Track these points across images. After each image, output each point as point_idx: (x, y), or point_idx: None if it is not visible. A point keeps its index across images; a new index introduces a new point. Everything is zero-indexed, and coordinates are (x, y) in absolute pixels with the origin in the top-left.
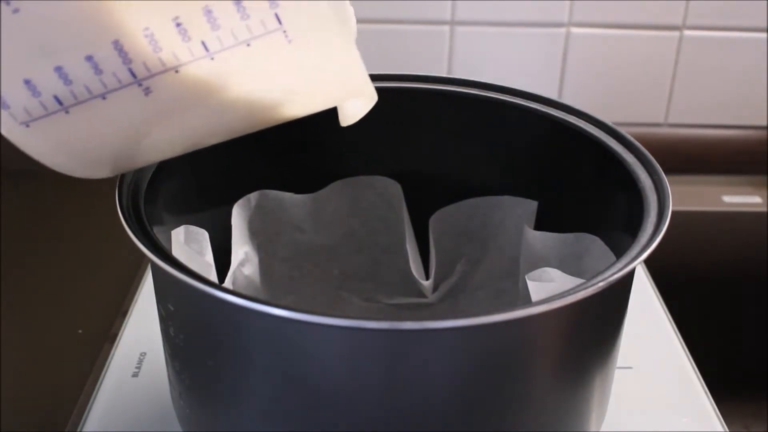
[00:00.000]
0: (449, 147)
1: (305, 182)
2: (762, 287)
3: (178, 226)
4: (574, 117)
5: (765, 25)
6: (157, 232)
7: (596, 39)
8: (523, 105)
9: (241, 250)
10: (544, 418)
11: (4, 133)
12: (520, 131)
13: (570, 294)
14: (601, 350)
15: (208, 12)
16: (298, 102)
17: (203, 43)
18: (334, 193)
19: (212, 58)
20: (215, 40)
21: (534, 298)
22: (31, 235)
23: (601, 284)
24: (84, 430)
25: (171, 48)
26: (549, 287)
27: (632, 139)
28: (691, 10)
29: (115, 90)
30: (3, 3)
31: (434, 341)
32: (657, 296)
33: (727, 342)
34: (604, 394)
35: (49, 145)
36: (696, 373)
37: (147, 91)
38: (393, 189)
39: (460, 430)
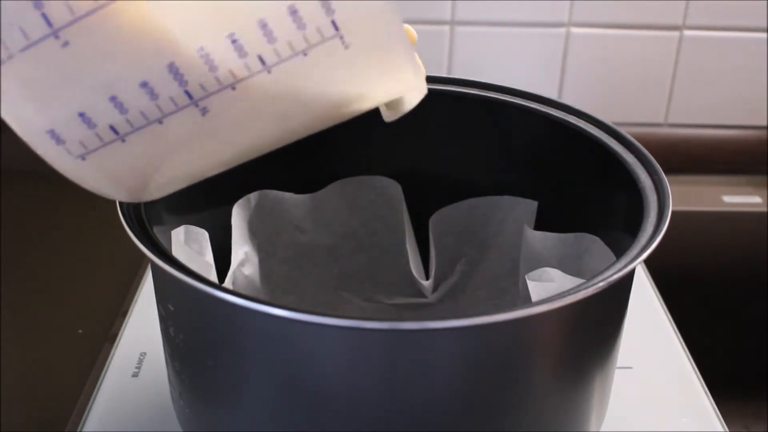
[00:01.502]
0: (449, 147)
1: (305, 182)
2: (762, 287)
3: (178, 225)
4: (574, 117)
5: (765, 25)
6: (157, 232)
7: (596, 39)
8: (523, 105)
9: (241, 250)
10: (544, 418)
11: (59, 169)
12: (520, 131)
13: (570, 294)
14: (601, 350)
15: (264, 25)
16: (355, 102)
17: (260, 57)
18: (334, 193)
19: (269, 71)
20: (272, 53)
21: (534, 298)
22: (31, 235)
23: (601, 284)
24: (84, 430)
25: (227, 65)
26: (549, 287)
27: (632, 139)
28: (691, 10)
29: (172, 113)
30: (51, 37)
31: (434, 341)
32: (657, 296)
33: (727, 342)
34: (604, 394)
35: (107, 176)
36: (696, 373)
37: (204, 111)
38: (393, 189)
39: (460, 430)
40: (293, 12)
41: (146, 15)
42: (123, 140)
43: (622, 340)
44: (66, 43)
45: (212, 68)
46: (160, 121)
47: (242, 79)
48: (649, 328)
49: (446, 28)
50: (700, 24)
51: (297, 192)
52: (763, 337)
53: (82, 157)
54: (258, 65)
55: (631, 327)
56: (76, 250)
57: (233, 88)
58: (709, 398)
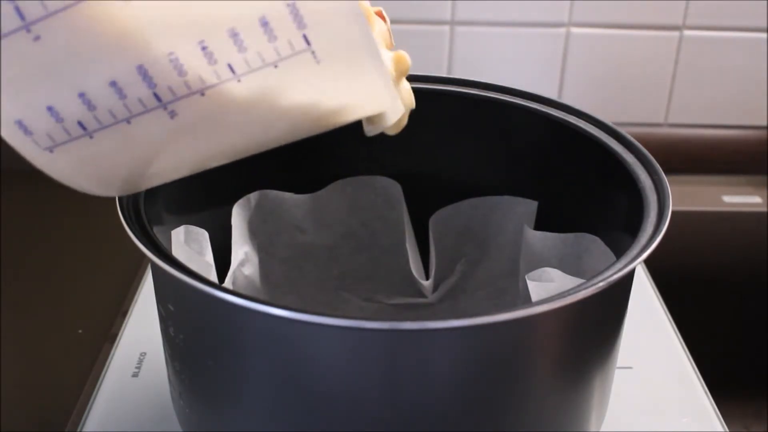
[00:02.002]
0: (449, 147)
1: (305, 182)
2: (762, 287)
3: (179, 225)
4: (574, 117)
5: (765, 25)
6: (157, 232)
7: (596, 39)
8: (523, 105)
9: (241, 250)
10: (544, 418)
11: (27, 158)
12: (520, 131)
13: (570, 294)
14: (601, 350)
15: (235, 35)
16: (330, 115)
17: (230, 66)
18: (334, 193)
19: (239, 80)
20: (242, 63)
21: (534, 298)
22: (30, 236)
23: (601, 284)
24: (84, 430)
25: (197, 71)
26: (549, 287)
27: (632, 139)
28: (691, 10)
29: (140, 114)
30: (23, 30)
31: (434, 341)
32: (657, 296)
33: (727, 342)
34: (604, 394)
35: (73, 168)
36: (696, 373)
37: (172, 114)
38: (393, 189)
39: (460, 430)
40: (264, 24)
41: (118, 15)
42: (91, 136)
43: (622, 340)
44: (37, 38)
45: (181, 73)
46: (128, 121)
47: (211, 86)
48: (649, 328)
49: (446, 28)
50: (700, 24)
51: (297, 192)
52: (763, 337)
53: (50, 150)
54: (228, 73)
55: (631, 327)
56: (76, 250)
57: (202, 94)
58: (709, 398)
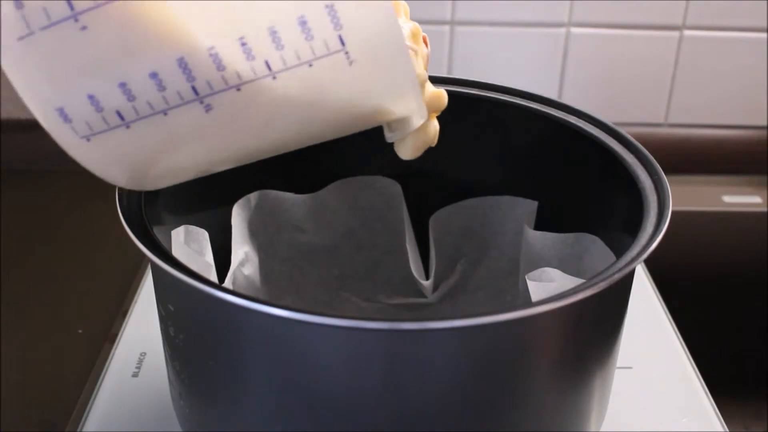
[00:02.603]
0: (449, 147)
1: (305, 182)
2: (762, 287)
3: (179, 225)
4: (574, 117)
5: (765, 25)
6: (158, 231)
7: (596, 39)
8: (523, 105)
9: (241, 250)
10: (543, 418)
11: (63, 146)
12: (520, 131)
13: (570, 294)
14: (601, 350)
15: (273, 32)
16: (358, 118)
17: (266, 63)
18: (334, 193)
19: (274, 77)
20: (278, 60)
21: (534, 298)
22: (31, 235)
23: (601, 284)
24: (84, 430)
25: (234, 67)
26: (549, 287)
27: (632, 139)
28: (691, 10)
29: (177, 106)
30: (71, 20)
31: (434, 341)
32: (657, 296)
33: (727, 342)
34: (604, 394)
35: (107, 158)
36: (696, 373)
37: (208, 108)
38: (393, 189)
39: (460, 430)
40: (303, 23)
41: (163, 9)
42: (128, 126)
43: (622, 340)
44: (84, 27)
45: (220, 67)
46: (165, 113)
47: (248, 82)
48: (649, 328)
49: (446, 28)
50: (700, 24)
51: (297, 192)
52: (763, 337)
53: (87, 138)
54: (264, 70)
55: (631, 327)
56: (76, 250)
57: (238, 89)
58: (709, 398)
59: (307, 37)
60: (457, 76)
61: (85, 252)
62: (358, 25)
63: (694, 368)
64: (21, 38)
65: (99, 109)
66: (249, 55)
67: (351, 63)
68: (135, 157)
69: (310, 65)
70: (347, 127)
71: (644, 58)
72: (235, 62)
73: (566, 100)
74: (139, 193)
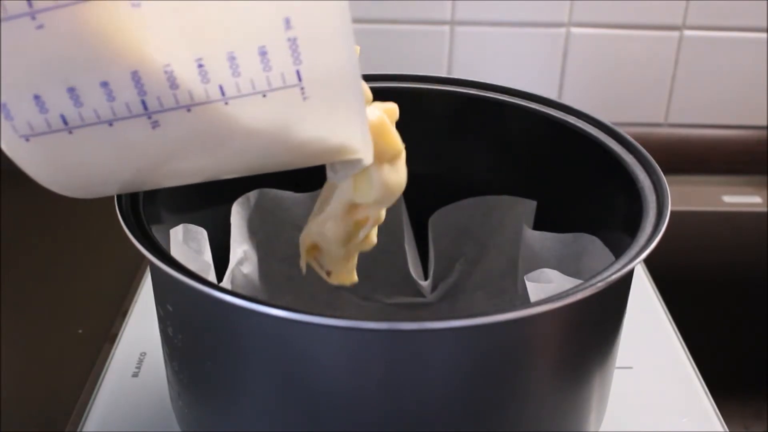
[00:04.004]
0: (449, 147)
1: (304, 181)
2: (762, 287)
3: (178, 224)
4: (574, 117)
5: (765, 25)
6: (156, 230)
7: (596, 39)
8: (523, 105)
9: (240, 248)
10: (543, 418)
11: (3, 142)
12: (520, 131)
13: (569, 294)
14: (601, 350)
15: (232, 58)
16: (298, 155)
17: (221, 87)
18: None
19: (226, 103)
20: (233, 86)
21: (533, 299)
22: (31, 235)
23: (600, 284)
24: (84, 430)
25: (188, 87)
26: (548, 288)
27: (631, 139)
28: (691, 10)
29: (124, 119)
30: (28, 17)
31: (433, 341)
32: (657, 296)
33: (727, 342)
34: (604, 394)
35: (45, 164)
36: (696, 373)
37: (155, 125)
38: None
39: (459, 430)
40: (263, 53)
41: (125, 19)
42: (70, 132)
43: (622, 340)
44: (40, 26)
45: (173, 86)
46: (110, 123)
47: (199, 104)
48: (649, 328)
49: (446, 28)
50: (700, 24)
51: (296, 191)
52: (763, 337)
53: (26, 138)
54: (217, 94)
55: (631, 327)
56: (76, 250)
57: (189, 110)
58: (709, 398)
59: (265, 68)
60: (457, 76)
61: (85, 252)
62: (318, 64)
63: (694, 368)
64: None
65: (43, 110)
66: (204, 78)
67: (305, 99)
68: (74, 165)
69: (264, 95)
70: (294, 161)
71: (644, 58)
72: (189, 82)
73: (566, 100)
74: (138, 192)
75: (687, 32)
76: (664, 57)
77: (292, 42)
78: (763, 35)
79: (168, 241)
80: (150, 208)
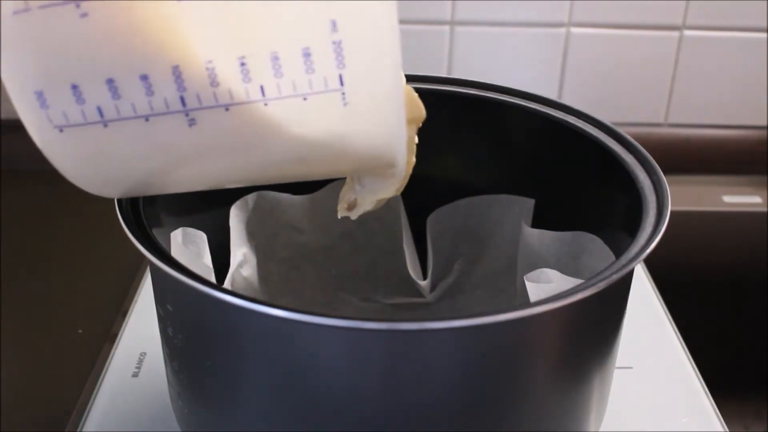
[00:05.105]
0: (448, 147)
1: (303, 183)
2: (762, 287)
3: (177, 227)
4: (574, 117)
5: (765, 25)
6: (156, 234)
7: (596, 39)
8: (523, 105)
9: (240, 251)
10: (543, 418)
11: (32, 133)
12: (520, 131)
13: (569, 294)
14: (601, 350)
15: (275, 58)
16: (330, 162)
17: (261, 88)
18: (331, 193)
19: (266, 104)
20: (274, 87)
21: (532, 299)
22: (31, 235)
23: (600, 284)
24: (84, 430)
25: (228, 85)
26: (547, 288)
27: (631, 139)
28: (691, 10)
29: (161, 114)
30: (72, 4)
31: (433, 341)
32: (657, 296)
33: (727, 342)
34: (604, 394)
35: (74, 157)
36: (696, 373)
37: (192, 122)
38: None
39: (459, 430)
40: (306, 54)
41: (170, 12)
42: (105, 125)
43: (622, 340)
44: (85, 14)
45: (214, 83)
46: (146, 119)
47: (238, 103)
48: (649, 328)
49: (446, 28)
50: (700, 24)
51: (294, 193)
52: (763, 337)
53: (60, 129)
54: (257, 94)
55: (631, 327)
56: (76, 250)
57: (227, 109)
58: (709, 398)
59: (308, 70)
60: (457, 76)
61: (85, 252)
62: (361, 69)
63: (694, 368)
64: (16, 12)
65: (80, 101)
66: (246, 77)
67: (345, 105)
68: (106, 160)
69: (305, 99)
70: (324, 170)
71: (644, 58)
72: (230, 81)
73: (566, 100)
74: None
75: (687, 32)
76: (664, 57)
77: (337, 45)
78: (763, 35)
79: (168, 245)
80: (150, 211)
